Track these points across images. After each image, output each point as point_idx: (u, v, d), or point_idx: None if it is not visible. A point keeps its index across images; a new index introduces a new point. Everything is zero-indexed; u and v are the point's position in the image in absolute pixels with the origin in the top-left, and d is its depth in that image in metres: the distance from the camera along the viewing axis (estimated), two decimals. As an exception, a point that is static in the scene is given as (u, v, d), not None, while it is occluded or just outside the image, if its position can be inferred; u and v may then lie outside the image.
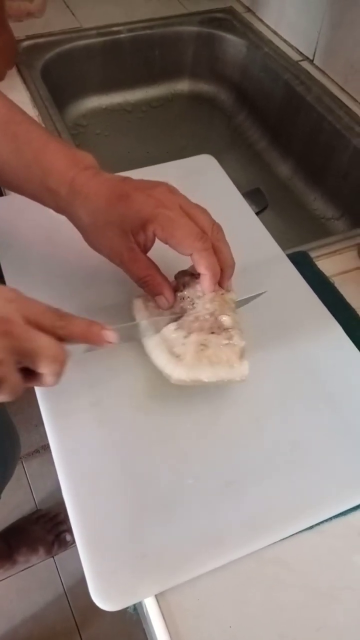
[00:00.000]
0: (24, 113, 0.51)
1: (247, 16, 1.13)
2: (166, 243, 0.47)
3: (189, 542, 0.41)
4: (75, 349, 0.42)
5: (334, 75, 0.97)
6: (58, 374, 0.39)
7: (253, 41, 1.07)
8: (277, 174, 1.04)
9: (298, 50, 1.04)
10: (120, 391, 0.49)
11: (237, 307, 0.51)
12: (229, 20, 1.13)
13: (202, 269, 0.47)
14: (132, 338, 0.48)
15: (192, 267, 0.50)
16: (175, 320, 0.48)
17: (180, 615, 0.39)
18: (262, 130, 1.08)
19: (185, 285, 0.50)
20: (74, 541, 1.24)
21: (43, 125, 0.76)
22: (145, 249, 0.48)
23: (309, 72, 0.99)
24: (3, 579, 1.22)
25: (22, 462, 1.39)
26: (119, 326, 0.44)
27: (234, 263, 0.50)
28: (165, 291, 0.48)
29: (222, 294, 0.49)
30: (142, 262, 0.48)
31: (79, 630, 1.17)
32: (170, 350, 0.47)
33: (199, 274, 0.49)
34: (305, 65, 1.01)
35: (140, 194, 0.46)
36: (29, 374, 0.39)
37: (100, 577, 0.39)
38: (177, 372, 0.46)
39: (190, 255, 0.47)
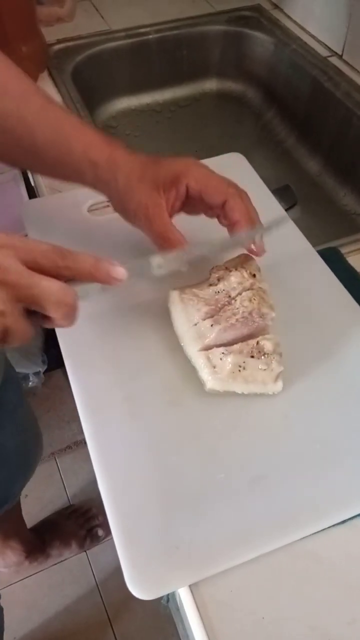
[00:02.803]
0: (61, 105, 0.55)
1: (275, 13, 1.13)
2: (199, 195, 0.49)
3: (220, 535, 0.42)
4: (91, 289, 0.40)
5: (363, 70, 0.96)
6: (69, 316, 0.38)
7: (280, 38, 1.06)
8: (306, 171, 1.03)
9: (326, 45, 1.03)
10: (152, 386, 0.50)
11: (259, 232, 0.52)
12: (256, 17, 1.13)
13: (236, 214, 0.49)
14: (142, 275, 0.47)
15: (227, 262, 0.51)
16: (212, 316, 0.49)
17: (213, 606, 0.40)
18: (291, 127, 1.08)
19: (220, 279, 0.51)
20: (105, 536, 1.28)
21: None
22: (173, 210, 0.50)
23: (337, 68, 0.98)
24: (36, 573, 1.25)
25: (55, 458, 1.41)
26: (129, 263, 0.42)
27: (262, 225, 0.52)
28: (186, 245, 0.49)
29: (253, 283, 0.50)
30: (165, 219, 0.49)
31: (111, 624, 1.18)
32: (207, 347, 0.48)
33: (232, 268, 0.50)
34: (334, 60, 1.00)
35: (173, 158, 0.51)
36: (43, 317, 0.38)
37: (135, 567, 0.40)
38: (211, 382, 0.47)
39: (223, 204, 0.49)
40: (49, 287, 0.36)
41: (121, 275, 0.41)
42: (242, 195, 0.51)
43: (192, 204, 0.52)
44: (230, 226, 0.51)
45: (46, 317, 0.38)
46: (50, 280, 0.36)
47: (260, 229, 0.52)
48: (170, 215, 0.50)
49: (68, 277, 0.38)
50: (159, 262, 0.47)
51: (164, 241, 0.49)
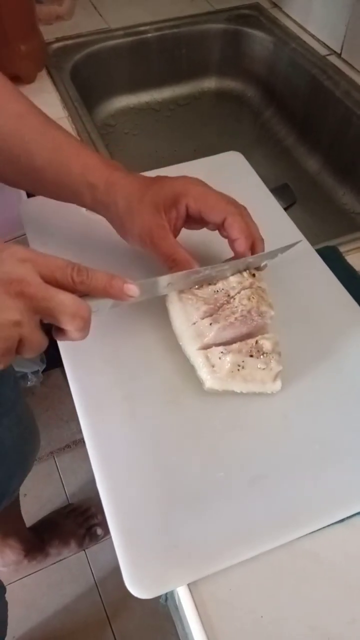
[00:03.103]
0: (58, 124, 0.54)
1: (274, 12, 1.13)
2: (198, 214, 0.50)
3: (219, 534, 0.42)
4: (102, 304, 0.42)
5: (362, 69, 0.96)
6: (82, 330, 0.39)
7: (280, 37, 1.06)
8: (305, 169, 1.03)
9: (325, 44, 1.03)
10: (151, 385, 0.50)
11: (267, 258, 0.53)
12: (255, 16, 1.13)
13: (235, 232, 0.49)
14: (152, 292, 0.49)
15: (226, 260, 0.51)
16: (211, 315, 0.49)
17: (212, 605, 0.40)
18: (290, 125, 1.08)
19: (218, 279, 0.51)
20: (104, 535, 1.28)
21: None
22: (175, 230, 0.51)
23: (336, 66, 0.98)
24: (36, 572, 1.25)
25: (53, 457, 1.41)
26: (140, 281, 0.44)
27: (262, 239, 0.52)
28: (195, 267, 0.49)
29: (252, 282, 0.50)
30: (171, 240, 0.49)
31: (110, 622, 1.18)
32: (206, 346, 0.48)
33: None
34: (333, 59, 1.00)
35: (171, 178, 0.51)
36: (57, 330, 0.40)
37: (134, 565, 0.40)
38: (210, 382, 0.47)
39: (223, 221, 0.49)
40: (64, 300, 0.38)
41: (133, 292, 0.42)
42: (242, 211, 0.51)
43: (192, 221, 0.52)
44: (231, 242, 0.51)
45: (59, 330, 0.40)
46: (66, 293, 0.38)
47: (270, 255, 0.52)
48: (174, 235, 0.50)
49: (82, 292, 0.40)
50: (168, 282, 0.48)
51: (173, 263, 0.49)
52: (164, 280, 0.48)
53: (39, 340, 0.38)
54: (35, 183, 0.54)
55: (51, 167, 0.51)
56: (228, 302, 0.50)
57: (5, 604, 0.95)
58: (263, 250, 0.52)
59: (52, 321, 0.38)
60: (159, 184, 0.50)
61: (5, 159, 0.52)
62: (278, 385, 0.48)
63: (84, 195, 0.52)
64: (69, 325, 0.38)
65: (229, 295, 0.50)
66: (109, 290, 0.41)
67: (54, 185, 0.53)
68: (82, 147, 0.53)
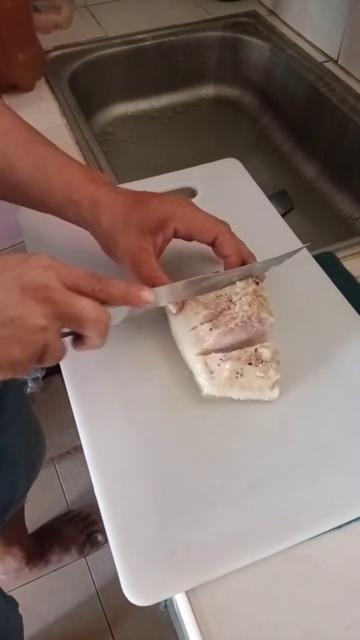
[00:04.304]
0: (44, 136, 0.54)
1: (271, 19, 1.14)
2: (188, 236, 0.50)
3: (217, 541, 0.42)
4: (119, 312, 0.43)
5: (358, 75, 0.96)
6: (103, 335, 0.40)
7: (277, 44, 1.07)
8: (302, 176, 1.03)
9: (322, 51, 1.04)
10: (149, 392, 0.50)
11: (274, 264, 0.53)
12: (252, 24, 1.13)
13: (227, 250, 0.50)
14: (168, 300, 0.49)
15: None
16: (211, 320, 0.49)
17: (210, 612, 0.40)
18: (287, 132, 1.08)
19: (225, 284, 0.51)
20: (105, 541, 1.27)
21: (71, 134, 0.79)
22: (160, 251, 0.51)
23: (333, 73, 0.98)
24: (36, 579, 1.24)
25: (54, 463, 1.41)
26: (155, 288, 0.45)
27: (252, 254, 0.53)
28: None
29: (255, 289, 0.51)
30: (153, 265, 0.49)
31: (111, 629, 1.18)
32: (205, 352, 0.48)
33: None
34: (330, 66, 1.00)
35: (157, 199, 0.50)
36: (76, 340, 0.41)
37: (132, 573, 0.40)
38: (208, 388, 0.48)
39: (214, 240, 0.50)
40: (86, 306, 0.39)
41: (150, 298, 0.43)
42: (230, 229, 0.52)
43: (181, 238, 0.52)
44: (222, 259, 0.52)
45: (78, 339, 0.41)
46: (88, 300, 0.39)
47: (273, 261, 0.53)
48: (157, 256, 0.51)
49: (101, 299, 0.40)
50: (167, 293, 0.48)
51: (151, 284, 0.49)
52: (162, 290, 0.48)
53: (60, 348, 0.39)
54: (19, 196, 0.54)
55: (35, 183, 0.52)
56: (229, 308, 0.50)
57: (20, 617, 0.95)
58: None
59: (74, 327, 0.39)
60: (145, 205, 0.50)
61: None
62: (276, 393, 0.48)
63: (67, 212, 0.52)
64: (91, 331, 0.39)
65: (230, 300, 0.50)
66: (127, 298, 0.42)
67: (38, 200, 0.53)
68: (66, 163, 0.53)
